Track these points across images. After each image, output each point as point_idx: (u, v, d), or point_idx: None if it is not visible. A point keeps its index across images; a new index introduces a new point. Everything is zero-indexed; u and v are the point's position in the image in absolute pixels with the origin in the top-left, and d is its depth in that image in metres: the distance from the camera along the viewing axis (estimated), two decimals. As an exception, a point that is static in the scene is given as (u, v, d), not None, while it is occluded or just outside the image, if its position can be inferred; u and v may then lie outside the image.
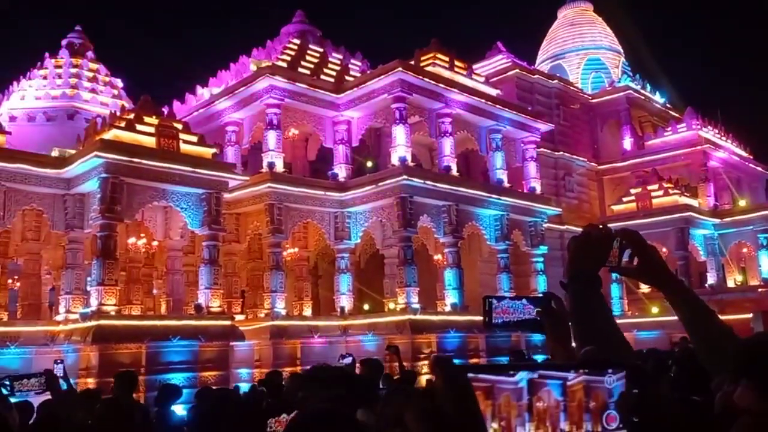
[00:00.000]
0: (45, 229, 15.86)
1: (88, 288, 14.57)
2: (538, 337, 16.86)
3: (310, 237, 19.97)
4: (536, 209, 21.39)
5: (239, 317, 17.05)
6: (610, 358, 1.32)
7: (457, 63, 20.82)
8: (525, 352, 12.93)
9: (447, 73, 19.99)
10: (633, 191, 25.66)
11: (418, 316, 17.12)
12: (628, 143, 28.76)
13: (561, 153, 26.81)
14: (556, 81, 28.03)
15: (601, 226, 1.95)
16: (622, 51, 34.34)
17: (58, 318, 15.08)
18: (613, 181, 28.91)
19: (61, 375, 7.36)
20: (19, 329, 14.14)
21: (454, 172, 19.24)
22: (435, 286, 19.58)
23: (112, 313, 13.76)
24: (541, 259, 21.28)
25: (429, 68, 19.60)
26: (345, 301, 18.41)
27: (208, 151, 16.10)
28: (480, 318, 2.14)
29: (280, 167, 17.97)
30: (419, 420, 2.07)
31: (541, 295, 2.09)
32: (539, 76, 27.60)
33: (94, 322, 13.38)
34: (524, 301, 2.05)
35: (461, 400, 1.06)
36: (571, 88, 29.11)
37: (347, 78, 20.18)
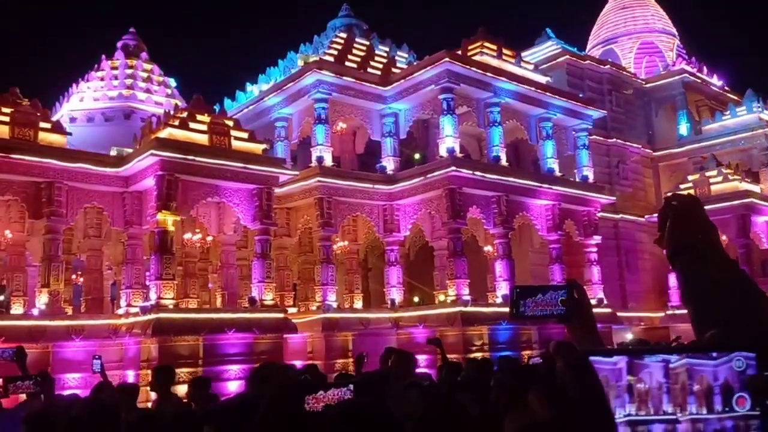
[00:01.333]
0: (105, 226, 16.44)
1: (147, 282, 15.04)
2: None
3: (359, 230, 20.09)
4: (589, 198, 20.94)
5: (291, 310, 17.31)
6: (736, 340, 1.27)
7: (505, 51, 20.52)
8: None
9: (495, 62, 19.73)
10: (690, 178, 24.81)
11: (469, 308, 17.03)
12: (684, 128, 27.80)
13: (614, 140, 26.14)
14: (607, 66, 27.31)
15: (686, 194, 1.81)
16: (676, 33, 33.17)
17: (120, 311, 15.63)
18: (669, 167, 28.01)
19: (98, 370, 7.60)
20: (83, 323, 14.69)
21: (504, 162, 19.02)
22: (485, 278, 19.43)
23: (170, 306, 14.18)
24: (595, 249, 20.84)
25: (476, 57, 19.39)
26: (395, 294, 18.47)
27: (258, 147, 16.38)
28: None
29: (328, 161, 18.12)
30: (543, 402, 2.08)
31: (563, 283, 2.03)
32: (590, 61, 26.94)
33: (153, 316, 13.81)
34: (551, 292, 1.98)
35: (584, 382, 1.07)
36: (624, 73, 28.31)
37: (394, 70, 20.16)
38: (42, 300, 14.25)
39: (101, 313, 16.22)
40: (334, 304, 17.35)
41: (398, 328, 17.81)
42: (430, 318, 17.49)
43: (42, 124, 14.77)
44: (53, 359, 13.67)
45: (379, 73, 19.80)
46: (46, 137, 14.68)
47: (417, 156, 20.72)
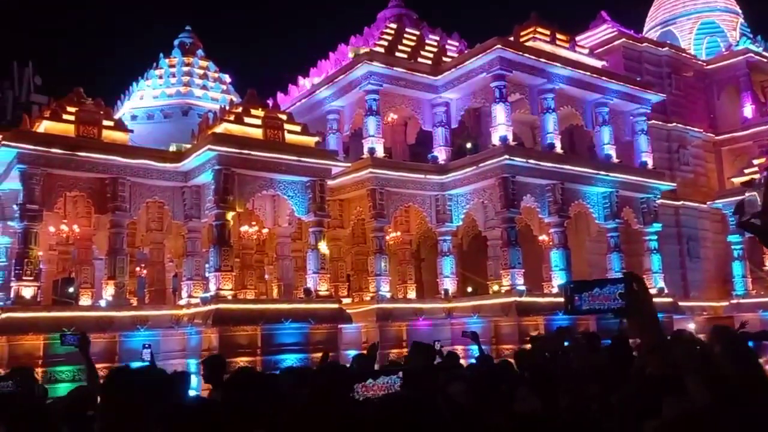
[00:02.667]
0: (167, 220, 16.97)
1: (207, 274, 15.47)
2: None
3: (411, 221, 20.10)
4: (648, 185, 20.35)
5: (346, 300, 17.50)
6: None
7: (558, 36, 20.08)
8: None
9: (548, 47, 19.35)
10: (756, 162, 23.78)
11: (524, 298, 16.85)
12: (749, 110, 26.58)
13: (674, 124, 25.24)
14: (666, 48, 26.36)
15: None
16: (739, 11, 31.69)
17: (181, 302, 16.13)
18: (732, 151, 26.87)
19: (149, 359, 7.83)
20: (147, 313, 15.24)
21: (558, 149, 18.66)
22: (541, 268, 19.16)
23: (229, 297, 14.55)
24: (655, 237, 20.26)
25: (529, 43, 19.06)
26: (448, 284, 18.43)
27: (311, 140, 16.58)
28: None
29: (380, 152, 18.18)
30: (702, 384, 2.07)
31: (621, 275, 1.98)
32: (648, 44, 26.05)
33: (213, 306, 14.21)
34: (609, 286, 1.93)
35: (744, 365, 1.07)
36: (684, 54, 27.26)
37: (444, 59, 20.02)
38: (108, 292, 14.85)
39: (164, 304, 16.77)
40: (388, 295, 17.45)
41: (452, 318, 17.79)
42: (484, 308, 17.38)
43: (105, 123, 15.34)
44: (120, 348, 14.25)
45: (429, 62, 19.70)
46: (110, 135, 15.24)
47: (469, 145, 20.54)
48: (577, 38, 22.23)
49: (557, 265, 17.84)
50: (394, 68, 18.69)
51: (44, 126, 14.66)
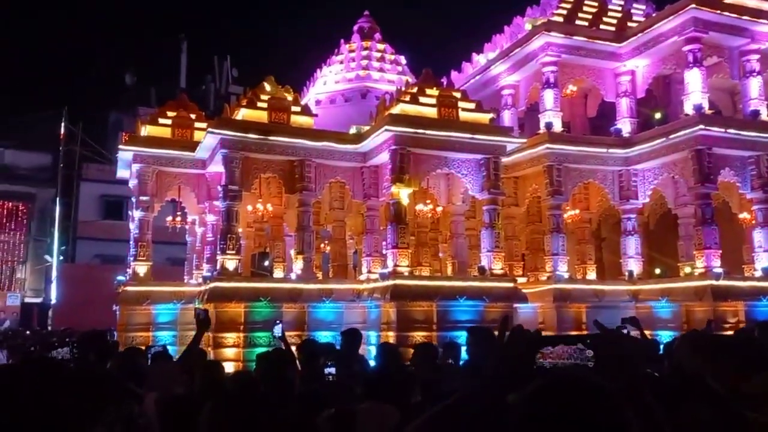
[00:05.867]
0: (347, 199, 17.89)
1: (384, 251, 16.10)
2: None
3: (591, 198, 19.16)
4: None
5: (521, 280, 17.23)
6: None
7: (765, -12, 17.74)
8: None
9: (752, 2, 17.16)
10: None
11: (721, 282, 15.35)
12: None
13: None
14: None
15: None
16: None
17: (361, 278, 16.98)
18: None
19: (279, 335, 8.21)
20: (331, 287, 16.24)
21: (764, 116, 16.62)
22: (740, 249, 17.31)
23: (406, 273, 15.02)
24: None
25: (728, 0, 17.07)
26: (633, 265, 17.36)
27: (485, 117, 16.43)
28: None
29: (558, 127, 17.51)
30: None
31: None
32: None
33: (391, 282, 14.77)
34: None
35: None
36: None
37: (629, 25, 18.63)
38: (298, 266, 16.06)
39: (345, 278, 17.76)
40: (566, 275, 16.88)
41: (637, 302, 16.76)
42: (674, 291, 16.14)
43: (293, 108, 16.47)
44: (308, 318, 15.40)
45: (612, 29, 18.48)
46: (297, 120, 16.35)
47: (657, 116, 19.03)
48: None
49: (762, 245, 16.01)
50: (574, 37, 17.82)
51: (242, 114, 16.11)
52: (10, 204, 40.57)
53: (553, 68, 17.72)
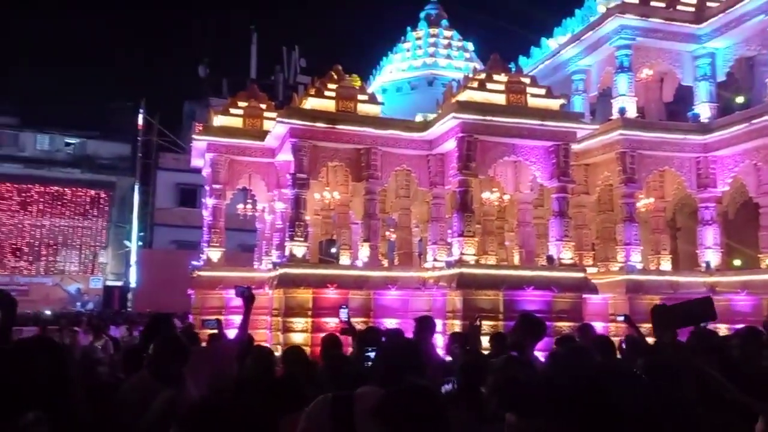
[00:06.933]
0: (413, 187, 17.90)
1: (450, 239, 16.04)
2: None
3: (666, 186, 18.44)
4: None
5: (591, 270, 16.81)
6: None
7: None
8: None
9: None
10: None
11: (808, 275, 14.52)
12: None
13: None
14: None
15: None
16: None
17: (426, 265, 16.98)
18: None
19: (345, 318, 8.23)
20: (396, 274, 16.34)
21: None
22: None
23: (472, 262, 14.93)
24: None
25: (822, -26, 15.99)
26: (710, 256, 16.64)
27: (555, 103, 16.06)
28: None
29: (632, 112, 16.91)
30: None
31: None
32: None
33: (456, 270, 14.72)
34: None
35: None
36: None
37: (709, 5, 17.72)
38: (364, 253, 16.23)
39: (410, 266, 17.81)
40: (639, 266, 16.35)
41: (714, 294, 16.05)
42: (755, 284, 15.40)
43: (360, 97, 16.58)
44: (374, 305, 15.56)
45: (691, 9, 17.64)
46: (364, 108, 16.45)
47: (739, 100, 18.07)
48: None
49: None
50: (650, 19, 17.13)
51: (310, 103, 16.35)
52: (93, 192, 42.81)
53: (627, 51, 17.11)
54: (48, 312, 28.77)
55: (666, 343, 3.22)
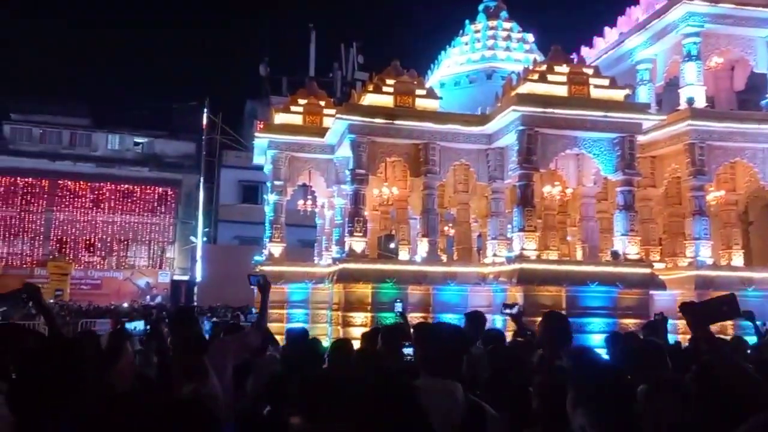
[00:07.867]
0: (472, 182, 17.76)
1: (510, 234, 15.83)
2: None
3: (738, 178, 17.64)
4: None
5: (658, 265, 16.27)
6: None
7: None
8: None
9: None
10: None
11: None
12: None
13: None
14: None
15: None
16: None
17: (486, 261, 16.83)
18: None
19: (400, 312, 8.16)
20: (455, 269, 16.25)
21: None
22: None
23: (533, 257, 14.70)
24: None
25: None
26: (788, 251, 15.84)
27: (619, 94, 15.61)
28: None
29: (701, 102, 16.25)
30: None
31: None
32: None
33: (517, 266, 14.53)
34: None
35: None
36: None
37: (786, -14, 16.85)
38: (422, 248, 16.21)
39: (469, 261, 17.68)
40: (709, 261, 15.72)
41: (791, 291, 15.29)
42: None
43: (418, 92, 16.55)
44: (433, 300, 15.53)
45: (766, -8, 16.80)
46: (422, 103, 16.42)
47: (819, 86, 17.09)
48: None
49: None
50: (719, 5, 16.38)
51: (368, 99, 16.43)
52: (160, 189, 44.42)
53: (695, 39, 16.44)
54: (125, 305, 30.22)
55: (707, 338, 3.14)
